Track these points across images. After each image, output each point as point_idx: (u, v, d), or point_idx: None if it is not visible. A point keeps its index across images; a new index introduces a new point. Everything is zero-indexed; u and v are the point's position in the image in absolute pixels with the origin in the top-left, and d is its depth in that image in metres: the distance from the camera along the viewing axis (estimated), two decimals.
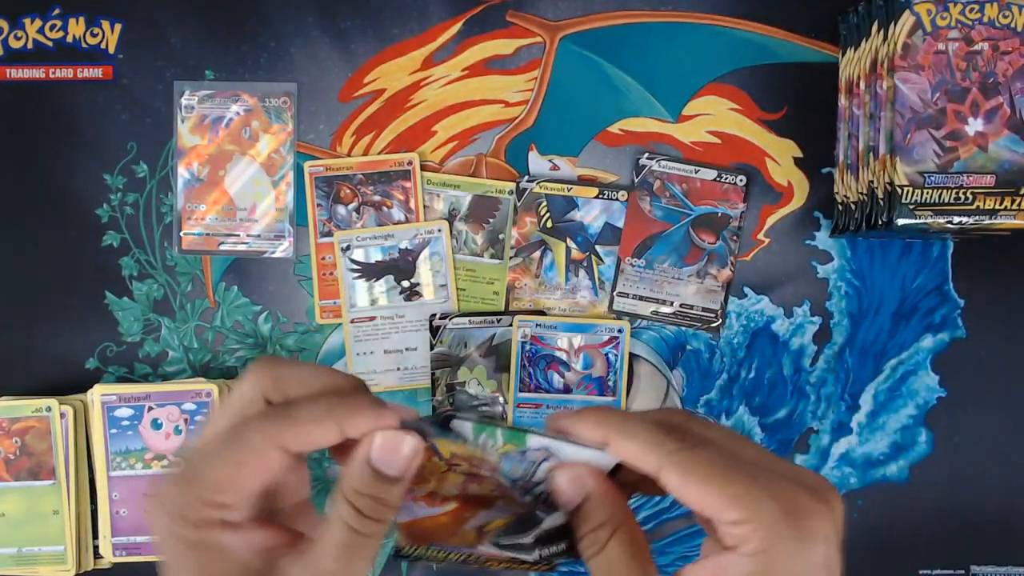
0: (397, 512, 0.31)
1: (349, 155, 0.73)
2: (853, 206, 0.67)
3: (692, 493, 0.30)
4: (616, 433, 0.31)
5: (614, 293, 0.72)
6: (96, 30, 0.73)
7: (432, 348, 0.72)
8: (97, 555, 0.71)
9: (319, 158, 0.73)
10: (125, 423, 0.69)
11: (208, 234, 0.73)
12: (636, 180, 0.72)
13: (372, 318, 0.73)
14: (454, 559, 0.35)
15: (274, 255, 0.73)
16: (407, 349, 0.73)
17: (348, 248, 0.72)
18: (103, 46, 0.73)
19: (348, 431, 0.30)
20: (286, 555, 0.30)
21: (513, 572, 0.36)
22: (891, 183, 0.62)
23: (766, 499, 0.29)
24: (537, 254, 0.73)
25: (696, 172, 0.72)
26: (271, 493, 0.32)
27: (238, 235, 0.73)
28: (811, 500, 0.29)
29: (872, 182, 0.64)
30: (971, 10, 0.61)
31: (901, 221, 0.62)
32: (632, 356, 0.73)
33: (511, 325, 0.72)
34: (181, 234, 0.73)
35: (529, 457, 0.33)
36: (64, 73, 0.73)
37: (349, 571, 0.29)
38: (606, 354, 0.72)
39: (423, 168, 0.73)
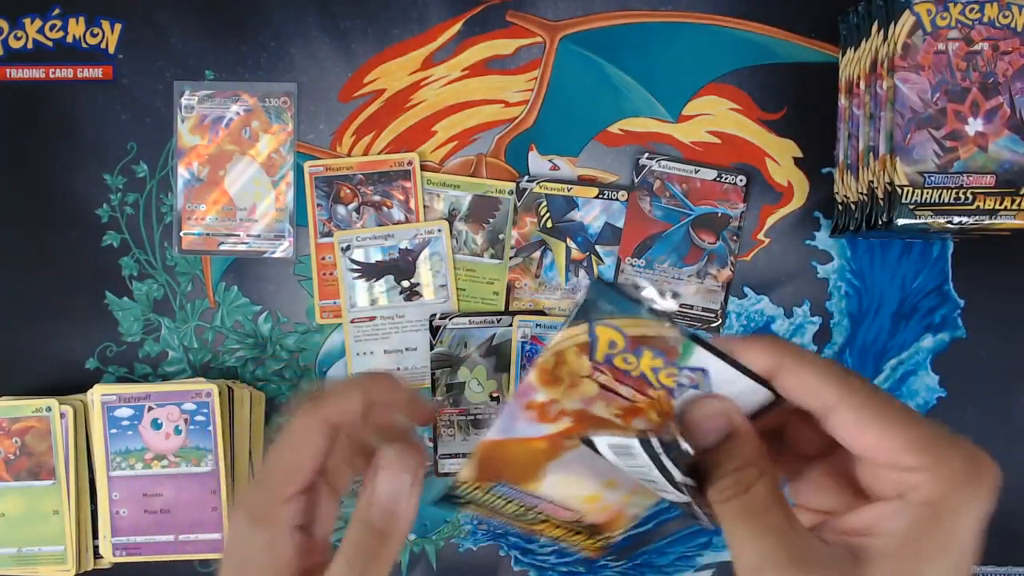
0: (411, 522, 0.33)
1: (349, 155, 0.73)
2: (853, 206, 0.67)
3: (872, 432, 0.28)
4: (792, 360, 0.29)
5: None
6: (96, 30, 0.73)
7: (432, 348, 0.72)
8: (97, 555, 0.71)
9: (319, 158, 0.73)
10: (125, 423, 0.69)
11: (208, 234, 0.73)
12: (636, 180, 0.72)
13: (372, 318, 0.73)
14: (510, 512, 0.34)
15: (274, 255, 0.73)
16: (407, 349, 0.73)
17: (348, 248, 0.72)
18: (103, 46, 0.73)
19: (372, 395, 0.34)
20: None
21: (562, 529, 0.35)
22: (891, 183, 0.62)
23: (950, 449, 0.27)
24: (537, 254, 0.73)
25: (696, 172, 0.72)
26: (310, 516, 0.34)
27: (238, 235, 0.73)
28: (985, 461, 0.28)
29: (872, 182, 0.64)
30: (971, 10, 0.61)
31: (901, 221, 0.61)
32: None
33: (511, 325, 0.72)
34: (181, 234, 0.73)
35: (677, 379, 0.30)
36: (64, 73, 0.73)
37: None
38: None
39: (423, 168, 0.72)
